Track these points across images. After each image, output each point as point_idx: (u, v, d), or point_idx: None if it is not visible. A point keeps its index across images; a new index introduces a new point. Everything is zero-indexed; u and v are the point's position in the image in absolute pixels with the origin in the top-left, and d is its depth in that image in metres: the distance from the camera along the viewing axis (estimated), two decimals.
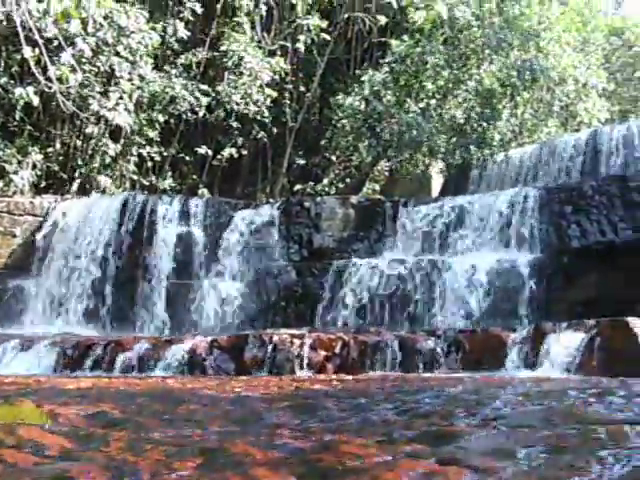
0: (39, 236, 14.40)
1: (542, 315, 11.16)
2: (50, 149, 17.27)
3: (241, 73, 18.11)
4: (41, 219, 14.67)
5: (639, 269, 10.77)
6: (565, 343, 8.06)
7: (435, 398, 3.11)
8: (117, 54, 16.51)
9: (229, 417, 2.96)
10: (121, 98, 16.68)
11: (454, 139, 17.65)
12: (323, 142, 19.46)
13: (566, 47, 18.68)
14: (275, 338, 8.92)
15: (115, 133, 17.65)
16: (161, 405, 3.20)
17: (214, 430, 2.67)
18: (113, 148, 17.29)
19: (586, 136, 16.80)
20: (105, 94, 16.65)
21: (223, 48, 18.22)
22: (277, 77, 18.47)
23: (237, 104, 17.99)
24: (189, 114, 18.24)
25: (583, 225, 11.89)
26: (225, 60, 18.32)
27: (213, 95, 18.34)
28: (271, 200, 17.35)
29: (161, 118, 18.00)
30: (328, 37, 18.94)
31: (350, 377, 7.07)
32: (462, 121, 17.73)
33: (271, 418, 2.96)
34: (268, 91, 18.20)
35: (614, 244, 11.43)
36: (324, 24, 18.68)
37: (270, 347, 8.81)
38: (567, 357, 7.87)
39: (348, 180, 20.03)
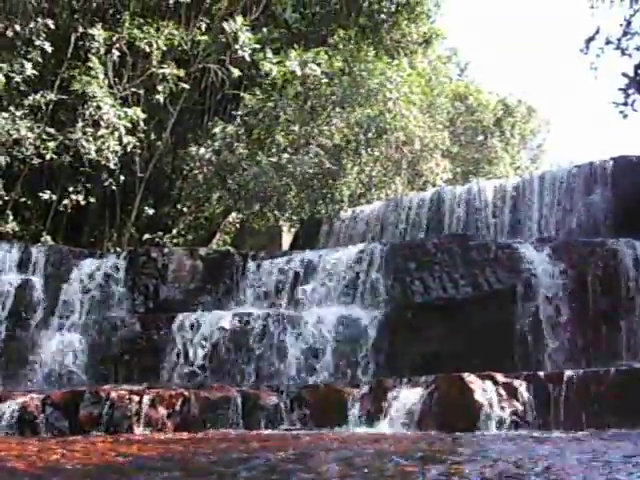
0: None
1: (386, 368, 11.33)
2: None
3: (98, 124, 17.69)
4: None
5: (477, 324, 11.17)
6: (404, 399, 8.21)
7: (251, 470, 3.01)
8: None
9: None
10: None
11: (303, 194, 17.88)
12: (174, 192, 19.24)
13: (412, 108, 19.38)
14: (113, 394, 8.60)
15: None
16: None
17: None
18: None
19: (430, 194, 17.41)
20: None
21: (75, 88, 17.71)
22: (131, 126, 18.15)
23: (89, 152, 17.50)
24: (34, 158, 17.60)
25: (426, 281, 12.21)
26: (77, 107, 17.86)
27: (61, 139, 17.79)
28: (118, 249, 16.91)
29: (3, 161, 17.25)
30: (187, 86, 18.86)
31: (186, 436, 6.88)
32: (311, 176, 17.99)
33: None
34: (126, 139, 17.85)
35: (455, 300, 11.79)
36: (181, 73, 18.59)
37: (107, 404, 8.47)
38: (406, 413, 8.00)
39: (199, 231, 19.86)
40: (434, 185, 20.61)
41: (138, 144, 18.65)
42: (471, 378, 8.00)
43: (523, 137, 28.39)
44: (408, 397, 8.22)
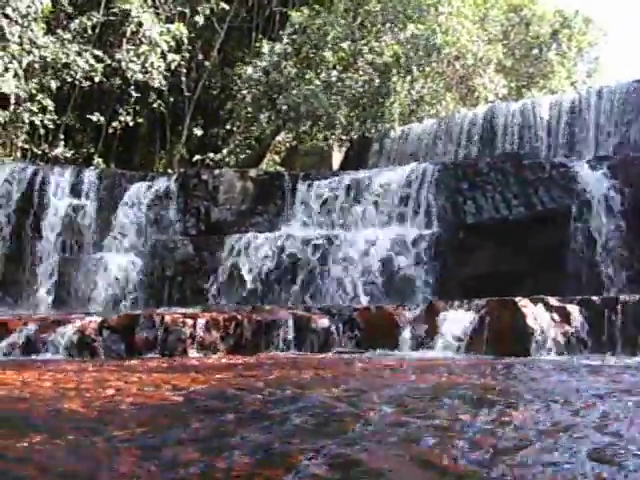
0: None
1: (437, 290, 11.32)
2: None
3: (140, 42, 17.56)
4: None
5: (530, 245, 11.03)
6: (456, 323, 8.15)
7: (302, 414, 3.00)
8: (6, 17, 15.72)
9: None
10: (10, 63, 15.93)
11: (353, 113, 17.62)
12: (223, 112, 19.12)
13: (465, 21, 18.81)
14: (167, 318, 8.71)
15: (4, 100, 16.87)
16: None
17: None
18: (2, 115, 16.53)
19: (483, 111, 17.02)
20: None
21: (118, 6, 17.54)
22: (174, 44, 17.97)
23: (135, 72, 17.44)
24: (84, 81, 17.60)
25: (478, 201, 12.05)
26: (123, 27, 17.74)
27: (109, 62, 17.74)
28: (169, 171, 16.98)
29: (54, 85, 17.29)
30: (227, 6, 18.52)
31: (239, 361, 6.95)
32: (361, 94, 17.69)
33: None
34: (170, 56, 17.70)
35: (507, 220, 11.63)
36: None
37: (162, 328, 8.61)
38: (457, 337, 7.97)
39: (249, 151, 19.78)
40: (487, 101, 20.13)
41: (183, 63, 18.49)
42: (524, 302, 7.89)
43: (580, 50, 27.37)
44: (459, 321, 8.16)
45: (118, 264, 12.77)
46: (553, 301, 8.02)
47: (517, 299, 7.94)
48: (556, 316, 7.76)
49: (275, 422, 2.82)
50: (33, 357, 8.05)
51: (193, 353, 8.30)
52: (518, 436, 2.69)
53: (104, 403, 3.37)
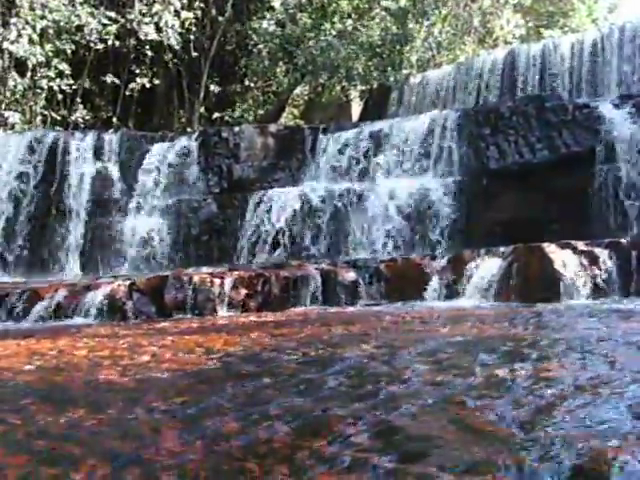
0: None
1: (462, 238, 11.28)
2: None
3: (153, 0, 17.39)
4: None
5: (555, 189, 10.92)
6: (483, 271, 8.14)
7: (338, 377, 3.01)
8: None
9: None
10: (24, 29, 15.86)
11: (370, 62, 17.40)
12: (240, 68, 18.97)
13: None
14: (195, 278, 8.77)
15: (22, 66, 16.84)
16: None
17: None
18: (21, 82, 16.52)
19: (503, 55, 16.75)
20: (6, 25, 15.80)
21: None
22: (187, 1, 17.78)
23: (149, 32, 17.29)
24: (98, 43, 17.50)
25: (501, 146, 11.94)
26: None
27: (122, 22, 17.61)
28: (188, 130, 16.94)
29: (69, 48, 17.23)
30: None
31: (269, 318, 6.99)
32: (378, 43, 17.45)
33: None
34: (184, 14, 17.54)
35: (531, 164, 11.52)
36: None
37: (190, 288, 8.67)
38: (485, 285, 7.96)
39: (267, 107, 19.67)
40: (506, 43, 19.78)
41: (197, 20, 18.32)
42: (551, 248, 7.84)
43: None
44: (487, 268, 8.14)
45: (144, 226, 12.84)
46: (581, 245, 7.96)
47: (544, 245, 7.90)
48: (584, 260, 7.71)
49: (311, 386, 2.83)
50: (64, 323, 8.15)
51: (222, 312, 8.37)
52: (556, 393, 2.68)
53: (140, 371, 3.41)
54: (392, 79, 17.29)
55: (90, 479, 1.80)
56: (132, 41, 17.81)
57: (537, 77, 15.77)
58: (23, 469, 1.93)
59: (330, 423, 2.19)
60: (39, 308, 8.69)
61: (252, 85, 19.75)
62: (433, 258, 9.04)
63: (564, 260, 7.69)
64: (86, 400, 2.76)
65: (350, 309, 7.94)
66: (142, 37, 17.47)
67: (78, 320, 8.27)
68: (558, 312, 5.91)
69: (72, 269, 12.63)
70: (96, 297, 8.71)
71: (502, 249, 8.35)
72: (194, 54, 18.79)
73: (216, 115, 19.20)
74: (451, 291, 8.32)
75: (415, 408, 2.35)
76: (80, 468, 1.88)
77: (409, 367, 3.17)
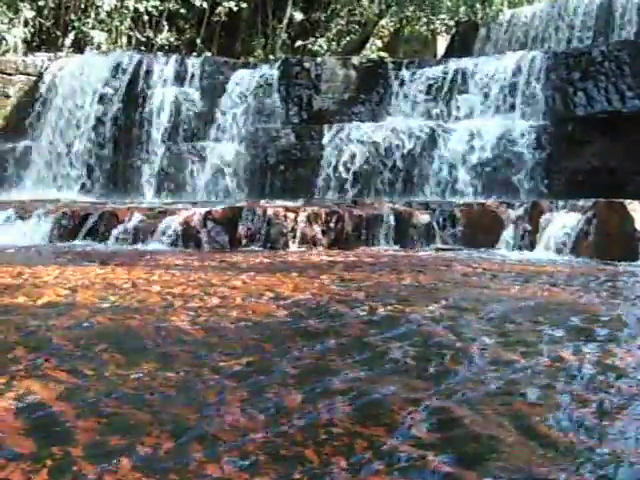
0: (35, 96, 14.00)
1: (542, 185, 11.06)
2: (41, 2, 16.53)
3: None
4: (35, 78, 14.24)
5: None
6: (561, 224, 7.98)
7: (403, 341, 3.00)
8: None
9: None
10: None
11: None
12: None
13: None
14: (269, 212, 8.84)
15: None
16: None
17: None
18: (107, 2, 16.58)
19: None
20: None
21: None
22: None
23: None
24: None
25: (590, 92, 11.56)
26: None
27: None
28: (271, 57, 16.82)
29: None
30: None
31: (340, 258, 7.00)
32: None
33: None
34: None
35: (620, 114, 11.14)
36: None
37: (264, 221, 8.75)
38: (561, 238, 7.81)
39: (351, 36, 19.34)
40: None
41: None
42: (633, 205, 7.60)
43: None
44: (565, 222, 7.97)
45: (222, 153, 12.93)
46: None
47: (627, 202, 7.66)
48: None
49: (375, 354, 2.84)
50: (141, 247, 8.35)
51: (294, 247, 8.44)
52: (627, 389, 2.49)
53: (209, 318, 3.48)
54: (480, 15, 16.77)
55: (154, 454, 1.85)
56: None
57: (635, 20, 15.05)
58: (91, 436, 1.99)
59: (390, 408, 2.19)
60: (117, 232, 8.93)
61: (336, 14, 19.40)
62: (510, 206, 8.89)
63: None
64: (156, 353, 2.82)
65: (421, 253, 7.89)
66: None
67: (154, 245, 8.47)
68: (635, 275, 5.74)
69: (149, 192, 12.86)
70: (172, 224, 8.89)
71: (581, 202, 8.15)
72: None
73: (299, 43, 18.98)
74: (525, 242, 8.20)
75: (477, 396, 2.33)
76: (145, 441, 1.93)
77: (475, 340, 3.13)
